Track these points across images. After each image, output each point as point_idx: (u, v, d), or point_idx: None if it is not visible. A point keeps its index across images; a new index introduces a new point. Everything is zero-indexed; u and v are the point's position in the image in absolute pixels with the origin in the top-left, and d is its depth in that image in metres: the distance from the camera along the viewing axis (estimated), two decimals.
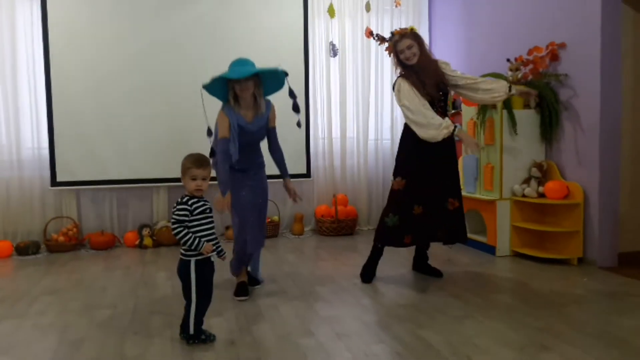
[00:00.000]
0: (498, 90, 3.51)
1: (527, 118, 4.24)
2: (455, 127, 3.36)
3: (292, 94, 3.29)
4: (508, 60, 4.39)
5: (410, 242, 3.59)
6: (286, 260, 4.32)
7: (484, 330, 2.68)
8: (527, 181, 4.23)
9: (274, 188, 5.45)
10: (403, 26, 5.58)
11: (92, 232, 4.98)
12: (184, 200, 2.54)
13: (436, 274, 3.74)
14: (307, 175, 5.43)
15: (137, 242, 4.93)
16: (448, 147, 3.52)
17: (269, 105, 3.39)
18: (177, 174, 4.95)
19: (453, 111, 5.07)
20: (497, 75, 4.35)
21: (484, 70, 4.64)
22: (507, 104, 4.17)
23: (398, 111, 5.70)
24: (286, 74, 3.30)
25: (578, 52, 3.98)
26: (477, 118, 4.38)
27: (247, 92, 3.21)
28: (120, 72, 4.94)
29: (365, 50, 5.59)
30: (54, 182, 4.85)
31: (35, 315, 3.04)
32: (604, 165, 3.84)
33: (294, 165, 4.81)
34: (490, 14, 4.94)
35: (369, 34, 3.71)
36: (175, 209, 2.53)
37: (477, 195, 4.47)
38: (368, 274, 3.66)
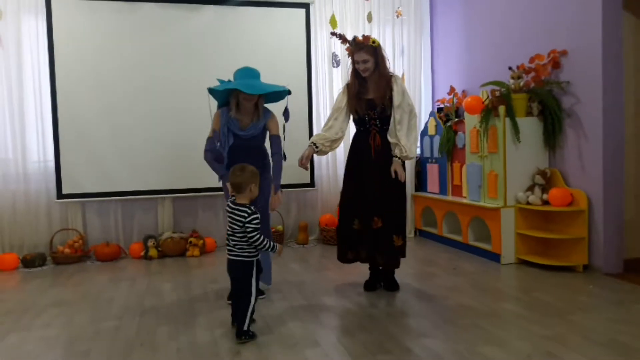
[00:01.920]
0: (395, 149, 3.45)
1: (530, 126, 4.25)
2: (313, 144, 3.48)
3: (286, 113, 3.52)
4: (510, 68, 4.41)
5: (353, 258, 3.59)
6: (291, 270, 4.32)
7: (490, 339, 2.68)
8: (531, 189, 4.23)
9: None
10: (405, 37, 5.71)
11: (98, 243, 4.99)
12: (253, 209, 2.77)
13: (391, 287, 3.63)
14: (312, 184, 5.45)
15: (142, 253, 4.94)
16: (387, 163, 3.47)
17: (267, 114, 3.45)
18: (181, 185, 5.08)
19: (456, 119, 5.09)
20: (499, 84, 4.37)
21: (486, 78, 4.66)
22: (510, 112, 4.19)
23: None
24: (289, 93, 3.51)
25: (580, 59, 3.99)
26: (480, 126, 4.39)
27: (251, 102, 3.34)
28: (125, 84, 4.98)
29: None
30: (59, 194, 4.88)
31: (42, 327, 3.05)
32: (607, 172, 3.84)
33: (298, 175, 4.82)
34: (491, 21, 4.97)
35: (332, 33, 3.71)
36: (250, 218, 2.73)
37: (481, 203, 4.47)
38: (367, 284, 3.67)
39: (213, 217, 5.37)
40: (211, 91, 3.42)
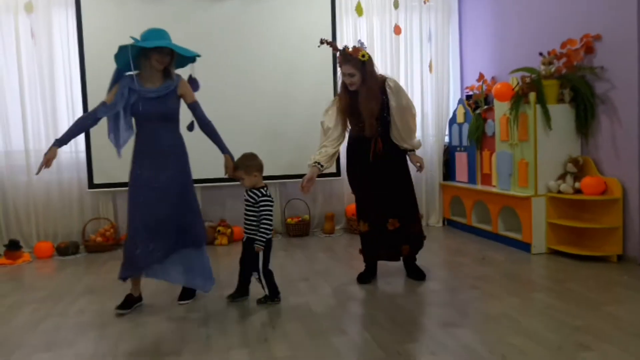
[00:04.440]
0: (405, 146, 3.46)
1: (561, 113, 4.15)
2: (317, 164, 3.37)
3: (194, 82, 3.29)
4: (541, 54, 4.29)
5: (373, 257, 3.66)
6: (317, 259, 4.33)
7: (520, 329, 2.64)
8: (562, 177, 4.14)
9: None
10: (433, 23, 5.61)
11: None
12: (267, 192, 3.16)
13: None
14: (337, 174, 5.43)
15: None
16: (395, 163, 3.48)
17: (178, 78, 3.15)
18: (209, 174, 5.13)
19: (485, 107, 5.00)
20: (530, 70, 4.27)
21: (516, 64, 4.56)
22: (541, 99, 4.09)
23: (428, 108, 5.66)
24: (193, 59, 3.27)
25: (614, 44, 3.87)
26: (510, 114, 4.31)
27: (162, 65, 3.04)
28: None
29: (394, 48, 5.56)
30: (91, 184, 4.98)
31: (76, 313, 3.13)
32: None
33: None
34: (522, 6, 4.85)
35: (321, 41, 3.41)
36: (268, 200, 3.12)
37: (512, 192, 4.40)
38: (362, 277, 3.62)
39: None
40: (118, 55, 3.03)
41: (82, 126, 3.07)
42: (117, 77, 3.09)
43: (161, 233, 3.03)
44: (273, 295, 3.17)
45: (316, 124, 3.67)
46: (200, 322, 2.91)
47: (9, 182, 4.91)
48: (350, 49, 3.37)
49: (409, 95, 5.54)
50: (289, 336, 2.66)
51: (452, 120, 5.53)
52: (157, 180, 3.02)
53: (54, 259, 4.72)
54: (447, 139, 5.68)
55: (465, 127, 5.22)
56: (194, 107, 3.22)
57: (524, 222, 4.25)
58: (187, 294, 3.30)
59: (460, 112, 5.35)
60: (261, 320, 2.90)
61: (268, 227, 3.12)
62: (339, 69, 3.35)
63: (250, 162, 3.16)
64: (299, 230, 5.32)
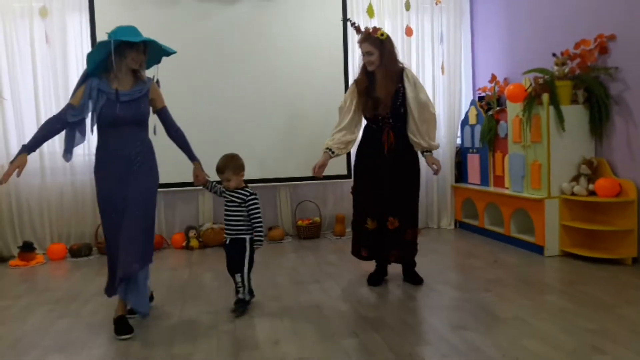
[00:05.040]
0: (417, 144, 3.43)
1: (575, 114, 4.11)
2: (328, 150, 3.42)
3: (156, 82, 3.06)
4: (554, 54, 4.25)
5: (367, 255, 3.54)
6: (328, 261, 4.33)
7: (533, 332, 2.61)
8: (576, 179, 4.10)
9: (315, 188, 5.51)
10: (444, 25, 5.59)
11: None
12: (252, 190, 3.15)
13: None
14: (348, 176, 5.42)
15: (183, 244, 5.05)
16: (401, 160, 3.42)
17: (149, 80, 2.98)
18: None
19: (498, 108, 4.97)
20: (543, 71, 4.23)
21: (529, 65, 4.52)
22: (554, 100, 4.05)
23: (440, 109, 5.63)
24: (159, 60, 3.08)
25: (629, 44, 3.82)
26: (523, 115, 4.27)
27: (138, 63, 2.84)
28: (165, 78, 5.05)
29: (405, 50, 5.54)
30: None
31: (89, 314, 3.16)
32: None
33: (334, 165, 4.79)
34: (534, 6, 4.81)
35: (346, 20, 3.50)
36: (257, 198, 3.12)
37: (525, 194, 4.36)
38: (372, 279, 3.59)
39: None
40: (91, 54, 2.81)
41: (52, 130, 2.84)
42: (85, 79, 2.86)
43: (125, 248, 2.78)
44: (249, 300, 3.13)
45: (327, 125, 3.68)
46: (210, 323, 2.92)
47: (23, 184, 4.96)
48: (370, 29, 3.40)
49: None
50: (300, 338, 2.66)
51: (465, 122, 5.50)
52: (123, 189, 2.81)
53: (67, 260, 4.76)
54: (459, 140, 5.65)
55: (478, 129, 5.19)
56: (165, 113, 3.06)
57: (537, 225, 4.21)
58: (125, 328, 2.83)
59: (473, 113, 5.31)
60: (272, 323, 2.90)
61: (261, 224, 3.11)
62: (350, 71, 3.36)
63: (238, 163, 3.15)
64: (310, 232, 5.31)
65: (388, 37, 3.39)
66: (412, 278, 3.55)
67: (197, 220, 5.29)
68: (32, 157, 4.84)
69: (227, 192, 3.16)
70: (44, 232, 5.03)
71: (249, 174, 5.05)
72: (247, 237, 3.11)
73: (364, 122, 3.58)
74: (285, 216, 5.48)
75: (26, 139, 4.93)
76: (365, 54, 3.36)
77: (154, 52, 2.95)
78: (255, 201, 3.11)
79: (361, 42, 3.38)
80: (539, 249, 4.19)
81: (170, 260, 4.60)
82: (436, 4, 5.58)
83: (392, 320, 2.87)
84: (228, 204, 3.15)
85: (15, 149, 4.93)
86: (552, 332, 2.61)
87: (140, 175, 2.87)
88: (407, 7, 5.52)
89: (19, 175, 2.73)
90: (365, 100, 3.42)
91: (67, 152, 3.02)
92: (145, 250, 2.88)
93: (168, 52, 2.98)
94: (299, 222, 5.38)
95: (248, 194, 3.12)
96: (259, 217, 3.11)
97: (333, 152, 3.45)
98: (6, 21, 4.86)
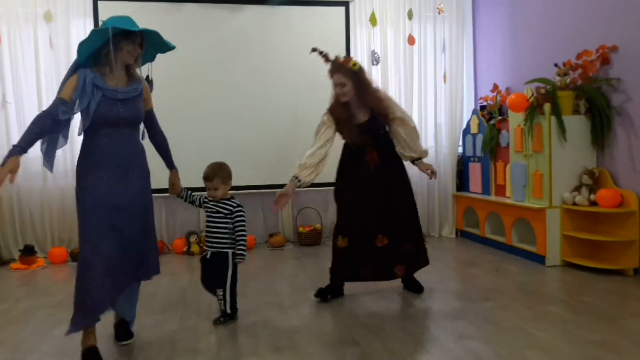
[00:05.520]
0: (409, 157, 3.39)
1: (576, 124, 4.12)
2: (295, 178, 3.17)
3: (151, 83, 2.86)
4: (556, 65, 4.27)
5: (351, 277, 3.42)
6: (329, 268, 4.31)
7: (534, 342, 2.60)
8: (577, 189, 4.10)
9: (316, 195, 5.51)
10: (447, 34, 5.61)
11: None
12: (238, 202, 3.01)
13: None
14: None
15: (184, 249, 5.05)
16: (389, 174, 3.33)
17: (142, 79, 2.75)
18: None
19: (499, 117, 4.98)
20: (545, 81, 4.25)
21: (531, 75, 4.54)
22: (556, 110, 4.06)
23: (441, 118, 5.64)
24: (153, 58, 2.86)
25: (631, 55, 3.84)
26: (525, 125, 4.28)
27: (132, 57, 2.58)
28: (168, 85, 5.08)
29: (407, 59, 5.56)
30: None
31: None
32: None
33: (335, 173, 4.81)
34: (537, 17, 4.83)
35: (313, 49, 3.36)
36: (243, 210, 3.00)
37: (526, 204, 4.36)
38: (321, 291, 3.44)
39: (252, 214, 5.41)
40: (84, 42, 2.48)
41: (43, 128, 2.43)
42: (75, 71, 2.52)
43: (120, 265, 2.54)
44: (233, 314, 3.03)
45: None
46: (211, 329, 2.91)
47: (24, 187, 4.97)
48: (341, 59, 3.28)
49: (423, 105, 5.61)
50: (301, 346, 2.65)
51: (466, 131, 5.51)
52: (119, 198, 2.53)
53: (68, 264, 4.75)
54: (460, 149, 5.65)
55: (479, 138, 5.20)
56: (152, 115, 2.84)
57: (538, 234, 4.21)
58: (125, 333, 2.79)
59: (474, 122, 5.33)
60: (272, 331, 2.89)
61: (246, 238, 3.00)
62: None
63: (227, 171, 3.02)
64: (311, 239, 5.31)
65: (360, 68, 3.26)
66: (412, 286, 3.54)
67: (198, 226, 5.29)
68: (34, 161, 4.95)
69: (212, 203, 3.02)
70: (45, 235, 5.02)
71: (251, 181, 5.14)
72: (230, 251, 2.99)
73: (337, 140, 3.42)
74: (287, 223, 5.48)
75: None
76: (337, 85, 3.21)
77: (148, 47, 2.69)
78: (242, 214, 2.99)
79: (332, 73, 3.23)
80: (540, 259, 4.19)
81: (171, 266, 4.59)
82: (439, 13, 5.61)
83: (394, 329, 2.86)
84: (213, 215, 3.01)
85: None
86: (554, 342, 2.60)
87: (135, 181, 2.62)
88: (410, 16, 5.55)
89: (12, 181, 2.32)
90: (348, 129, 3.28)
91: (50, 158, 2.59)
92: (142, 269, 2.73)
93: (165, 48, 2.77)
94: (300, 229, 5.38)
95: (235, 205, 2.99)
96: (244, 231, 2.98)
97: (300, 181, 3.20)
98: (10, 26, 4.88)
